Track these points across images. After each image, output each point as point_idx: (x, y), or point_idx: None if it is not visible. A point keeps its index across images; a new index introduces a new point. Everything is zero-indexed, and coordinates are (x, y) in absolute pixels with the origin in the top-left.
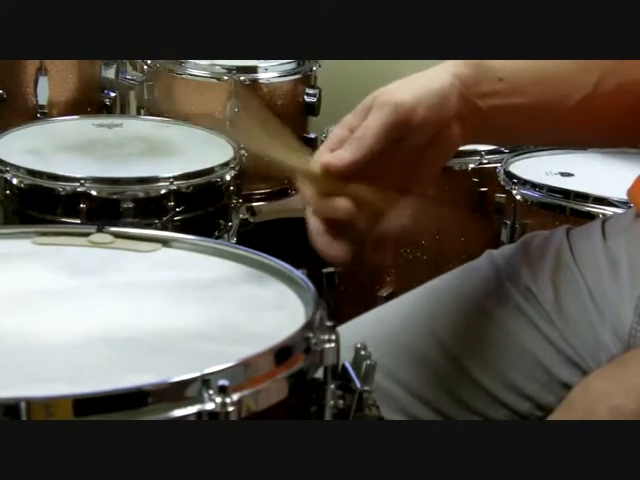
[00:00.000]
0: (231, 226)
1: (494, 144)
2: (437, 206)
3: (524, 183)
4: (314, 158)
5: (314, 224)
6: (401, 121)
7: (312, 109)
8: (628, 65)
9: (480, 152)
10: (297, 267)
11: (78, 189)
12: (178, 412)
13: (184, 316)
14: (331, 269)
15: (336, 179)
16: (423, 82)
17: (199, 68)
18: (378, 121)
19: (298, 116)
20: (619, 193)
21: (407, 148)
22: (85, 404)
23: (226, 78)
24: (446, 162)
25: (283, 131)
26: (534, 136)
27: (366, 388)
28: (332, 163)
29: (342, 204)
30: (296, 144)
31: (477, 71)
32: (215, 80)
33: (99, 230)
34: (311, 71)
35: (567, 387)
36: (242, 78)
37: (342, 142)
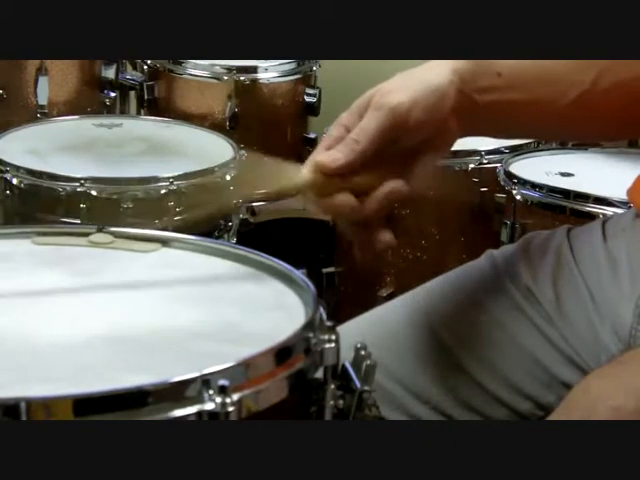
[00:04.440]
0: (231, 226)
1: (489, 136)
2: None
3: (524, 183)
4: (309, 159)
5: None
6: (396, 124)
7: (312, 109)
8: (624, 64)
9: (480, 152)
10: (297, 267)
11: (78, 189)
12: (178, 412)
13: (184, 316)
14: (331, 269)
15: (330, 177)
16: (421, 80)
17: (199, 68)
18: (374, 125)
19: (298, 116)
20: (619, 193)
21: (402, 148)
22: (85, 404)
23: (226, 78)
24: (443, 156)
25: (266, 161)
26: (529, 131)
27: (366, 388)
28: (325, 164)
29: (342, 199)
30: (282, 165)
31: (476, 66)
32: (215, 80)
33: (99, 230)
34: (311, 71)
35: (567, 387)
36: (242, 78)
37: (338, 141)
